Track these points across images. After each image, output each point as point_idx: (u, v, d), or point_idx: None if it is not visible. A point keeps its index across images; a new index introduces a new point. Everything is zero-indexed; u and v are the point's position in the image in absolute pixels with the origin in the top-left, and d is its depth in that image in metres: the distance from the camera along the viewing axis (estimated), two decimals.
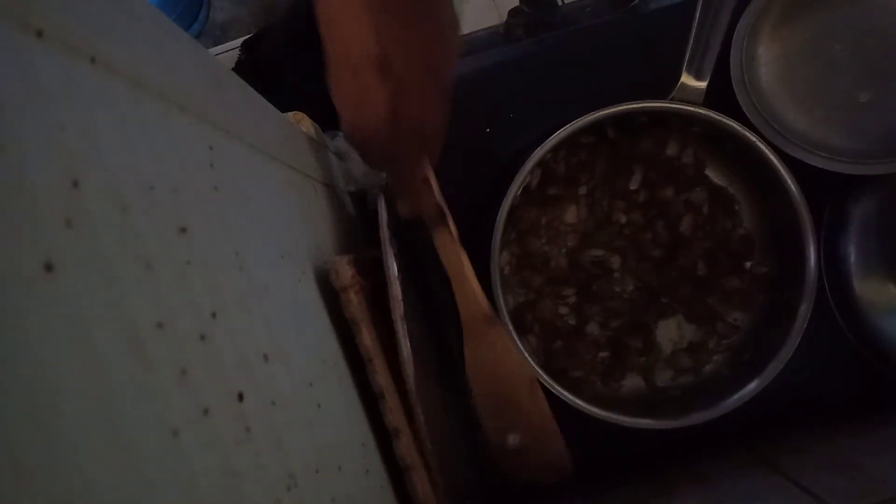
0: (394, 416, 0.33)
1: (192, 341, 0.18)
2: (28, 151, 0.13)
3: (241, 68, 0.61)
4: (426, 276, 0.53)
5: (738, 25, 0.50)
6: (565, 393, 0.44)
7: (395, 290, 0.34)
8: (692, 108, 0.45)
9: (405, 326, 0.34)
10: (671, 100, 0.46)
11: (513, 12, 0.57)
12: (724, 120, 0.46)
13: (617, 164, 0.50)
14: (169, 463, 0.15)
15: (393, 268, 0.35)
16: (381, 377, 0.33)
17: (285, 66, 0.59)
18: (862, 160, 0.47)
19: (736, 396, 0.44)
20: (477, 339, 0.43)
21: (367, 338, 0.33)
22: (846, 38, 0.49)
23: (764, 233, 0.51)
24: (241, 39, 0.63)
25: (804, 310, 0.45)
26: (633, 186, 0.50)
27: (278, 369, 0.23)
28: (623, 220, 0.50)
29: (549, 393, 0.44)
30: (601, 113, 0.45)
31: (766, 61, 0.50)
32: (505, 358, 0.43)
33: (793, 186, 0.45)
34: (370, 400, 0.34)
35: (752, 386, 0.44)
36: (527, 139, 0.51)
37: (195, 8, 1.21)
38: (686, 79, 0.45)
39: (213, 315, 0.19)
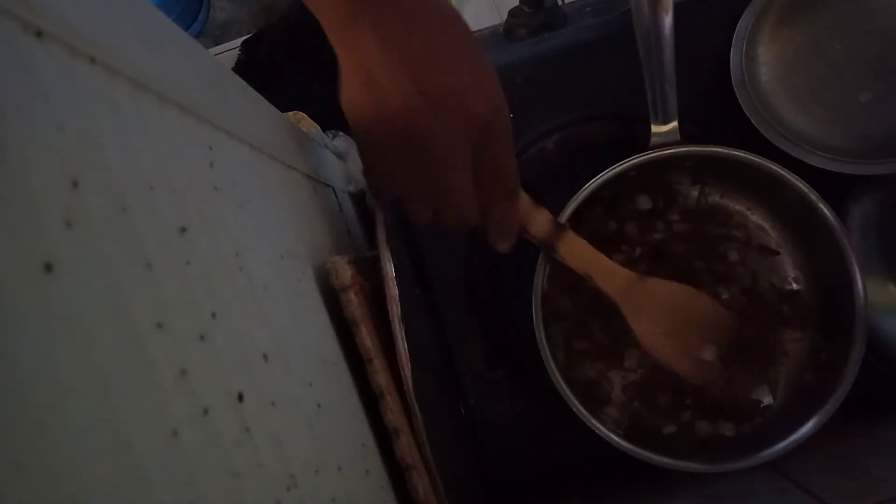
0: (394, 416, 0.33)
1: (191, 341, 0.18)
2: (28, 151, 0.13)
3: (240, 68, 0.61)
4: (427, 275, 0.54)
5: (737, 26, 0.50)
6: (641, 451, 0.43)
7: (393, 290, 0.34)
8: (674, 150, 0.45)
9: (403, 327, 0.34)
10: (652, 148, 0.45)
11: (513, 12, 0.57)
12: (708, 149, 0.45)
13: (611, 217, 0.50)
14: (169, 463, 0.15)
15: (390, 268, 0.35)
16: (381, 377, 0.33)
17: (285, 66, 0.59)
18: (862, 160, 0.47)
19: (791, 439, 0.42)
20: (636, 302, 0.43)
21: (367, 338, 0.33)
22: (846, 38, 0.49)
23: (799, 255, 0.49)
24: (241, 39, 0.63)
25: (855, 354, 0.43)
26: (643, 206, 0.49)
27: (278, 369, 0.23)
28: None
29: (623, 450, 0.43)
30: (592, 186, 0.45)
31: (766, 61, 0.50)
32: (666, 292, 0.44)
33: (825, 209, 0.43)
34: (370, 400, 0.34)
35: (807, 428, 0.42)
36: (526, 139, 0.52)
37: (195, 7, 1.21)
38: (656, 128, 0.46)
39: (213, 315, 0.19)
